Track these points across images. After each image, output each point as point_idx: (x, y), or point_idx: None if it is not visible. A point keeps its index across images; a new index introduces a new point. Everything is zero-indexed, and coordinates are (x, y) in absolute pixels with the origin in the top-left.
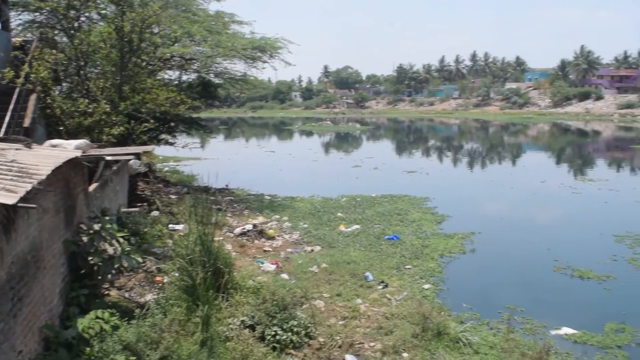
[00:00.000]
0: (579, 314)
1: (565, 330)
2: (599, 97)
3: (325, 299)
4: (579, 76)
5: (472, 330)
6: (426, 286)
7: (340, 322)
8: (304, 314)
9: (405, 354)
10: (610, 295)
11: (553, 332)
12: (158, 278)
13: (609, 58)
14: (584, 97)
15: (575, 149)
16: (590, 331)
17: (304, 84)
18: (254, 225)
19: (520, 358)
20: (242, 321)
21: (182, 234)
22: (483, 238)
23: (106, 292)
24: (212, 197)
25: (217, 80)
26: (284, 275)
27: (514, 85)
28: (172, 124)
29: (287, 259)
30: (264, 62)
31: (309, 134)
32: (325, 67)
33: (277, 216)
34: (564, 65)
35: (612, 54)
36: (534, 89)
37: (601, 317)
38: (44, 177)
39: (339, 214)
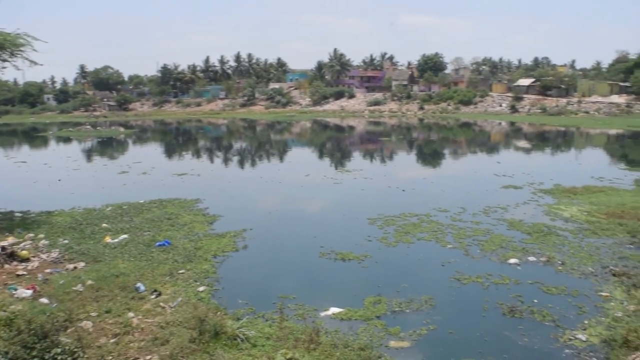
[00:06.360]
0: (344, 293)
1: (333, 310)
2: (352, 96)
3: (93, 318)
4: (334, 77)
5: (249, 325)
6: (201, 288)
7: (112, 340)
8: (69, 338)
9: None
10: (367, 272)
11: (322, 314)
12: None
13: (358, 60)
14: (339, 95)
15: (334, 144)
16: (353, 307)
17: (58, 86)
18: (3, 248)
19: (294, 343)
20: None
21: None
22: (254, 234)
23: None
24: None
25: None
26: (44, 300)
27: (277, 86)
28: None
29: (46, 281)
30: (4, 60)
31: (67, 140)
32: (82, 67)
33: (32, 234)
34: (320, 66)
35: (360, 57)
36: (295, 89)
37: (361, 293)
38: None
39: (104, 225)
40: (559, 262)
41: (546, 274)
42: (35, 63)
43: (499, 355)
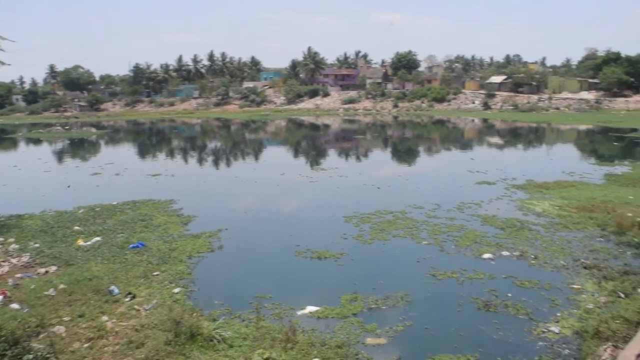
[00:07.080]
0: (320, 291)
1: (310, 308)
2: (326, 94)
3: (66, 323)
4: (308, 75)
5: (225, 325)
6: (176, 290)
7: (86, 345)
8: (41, 344)
9: None
10: (343, 270)
11: (299, 313)
12: None
13: (332, 59)
14: (314, 94)
15: (309, 142)
16: (330, 305)
17: (27, 86)
18: None
19: (271, 343)
20: None
21: None
22: (230, 234)
23: None
24: None
25: None
26: (15, 305)
27: (251, 84)
28: None
29: (16, 286)
30: None
31: (37, 142)
32: (52, 67)
33: (1, 239)
34: (294, 65)
35: (334, 55)
36: (270, 88)
37: (338, 291)
38: None
39: (77, 228)
40: (532, 256)
41: (519, 268)
42: (3, 63)
43: (474, 350)
